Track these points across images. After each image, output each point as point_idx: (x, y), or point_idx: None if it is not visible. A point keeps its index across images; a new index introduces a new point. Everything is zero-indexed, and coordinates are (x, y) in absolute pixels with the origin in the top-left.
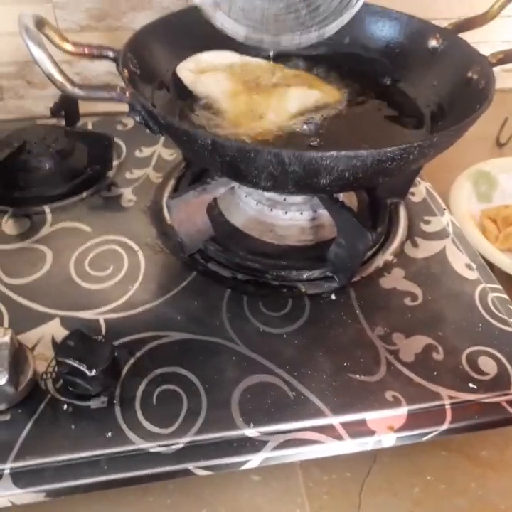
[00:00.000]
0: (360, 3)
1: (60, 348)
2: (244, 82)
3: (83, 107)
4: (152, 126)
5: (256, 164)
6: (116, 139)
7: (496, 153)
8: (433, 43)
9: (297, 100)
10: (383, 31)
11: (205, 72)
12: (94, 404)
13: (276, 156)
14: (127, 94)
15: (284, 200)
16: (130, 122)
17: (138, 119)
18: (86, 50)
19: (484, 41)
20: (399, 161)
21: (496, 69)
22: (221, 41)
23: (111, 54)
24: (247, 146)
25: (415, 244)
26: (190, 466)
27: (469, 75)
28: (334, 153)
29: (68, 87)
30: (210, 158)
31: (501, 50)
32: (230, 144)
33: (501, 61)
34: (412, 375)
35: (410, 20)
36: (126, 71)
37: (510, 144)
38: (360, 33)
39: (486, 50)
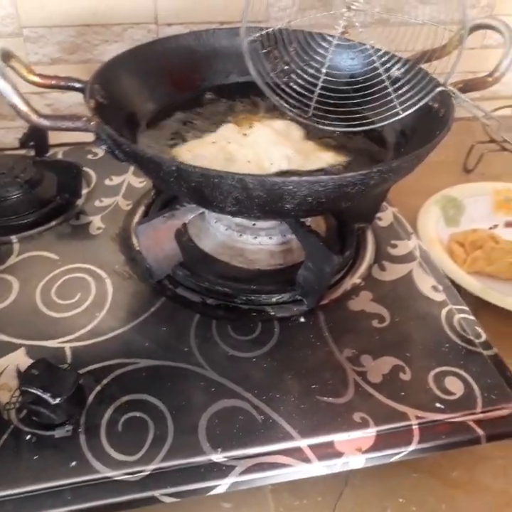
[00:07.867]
0: None
1: (24, 376)
2: None
3: (53, 138)
4: (118, 154)
5: (221, 189)
6: (86, 168)
7: (463, 179)
8: (395, 72)
9: None
10: (347, 62)
11: None
12: (58, 433)
13: (240, 181)
14: (92, 123)
15: (253, 225)
16: (100, 152)
17: (104, 148)
18: (53, 82)
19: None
20: (360, 185)
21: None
22: (186, 75)
23: (77, 85)
24: (211, 171)
25: (382, 268)
26: (156, 493)
27: (430, 103)
28: (296, 178)
29: (33, 117)
30: (176, 184)
31: (460, 80)
32: (194, 170)
33: (461, 90)
34: (379, 396)
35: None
36: (92, 101)
37: (477, 170)
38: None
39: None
